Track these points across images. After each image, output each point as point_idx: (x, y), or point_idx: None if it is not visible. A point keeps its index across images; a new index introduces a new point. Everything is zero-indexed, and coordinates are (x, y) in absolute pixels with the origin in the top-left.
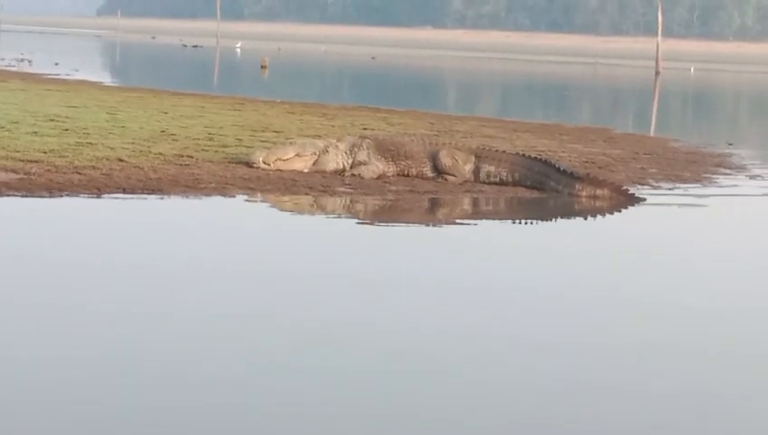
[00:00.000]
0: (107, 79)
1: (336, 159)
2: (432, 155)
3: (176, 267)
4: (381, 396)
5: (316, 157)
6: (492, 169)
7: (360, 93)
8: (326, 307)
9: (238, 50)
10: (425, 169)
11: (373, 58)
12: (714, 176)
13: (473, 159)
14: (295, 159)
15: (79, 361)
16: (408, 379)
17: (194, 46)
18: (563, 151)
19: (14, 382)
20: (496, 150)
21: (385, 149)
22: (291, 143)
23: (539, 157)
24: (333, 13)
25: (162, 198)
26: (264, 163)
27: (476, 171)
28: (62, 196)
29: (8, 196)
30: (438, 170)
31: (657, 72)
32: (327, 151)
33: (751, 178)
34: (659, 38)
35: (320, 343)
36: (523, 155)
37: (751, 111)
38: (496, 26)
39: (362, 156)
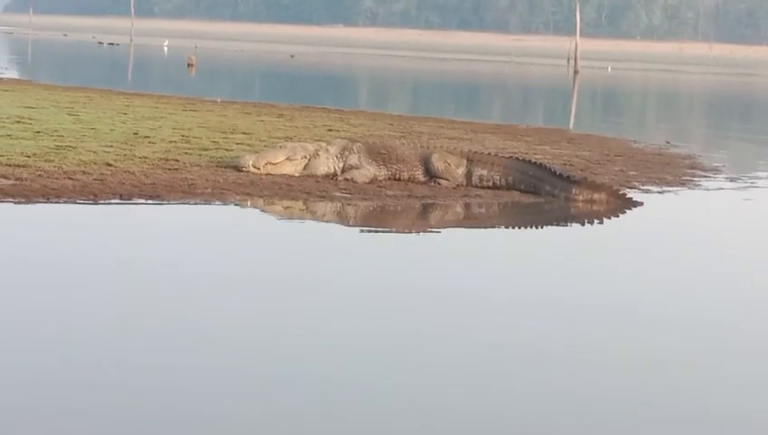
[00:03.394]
0: (41, 78)
1: (327, 163)
2: (424, 159)
3: (201, 276)
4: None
5: (306, 161)
6: (484, 172)
7: (297, 92)
8: (355, 317)
9: (166, 48)
10: (417, 173)
11: (292, 56)
12: (694, 178)
13: (465, 162)
14: (286, 162)
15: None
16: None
17: (110, 44)
18: (535, 153)
19: (20, 386)
20: (488, 154)
21: (376, 153)
22: (281, 147)
23: (533, 160)
24: (244, 10)
25: (162, 205)
26: (254, 167)
27: (469, 175)
28: (59, 202)
29: (4, 202)
30: (431, 174)
31: (576, 71)
32: (318, 155)
33: (730, 180)
34: (578, 37)
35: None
36: (517, 158)
37: (677, 108)
38: (407, 24)
39: (353, 160)
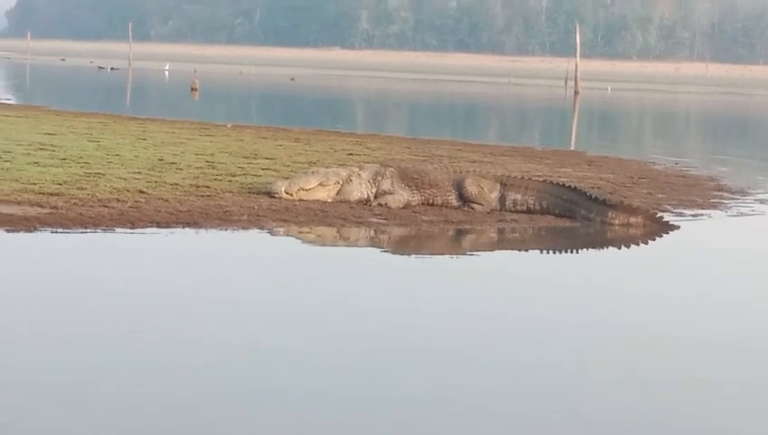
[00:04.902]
0: (52, 104)
1: (360, 189)
2: (457, 183)
3: (268, 305)
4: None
5: (339, 186)
6: (518, 196)
7: (305, 115)
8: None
9: (167, 72)
10: (450, 198)
11: (293, 79)
12: (723, 201)
13: (498, 186)
14: (318, 188)
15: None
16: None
17: (112, 69)
18: (560, 176)
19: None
20: (521, 178)
21: (409, 178)
22: (313, 172)
23: (567, 184)
24: (241, 34)
25: (199, 232)
26: (287, 193)
27: (502, 199)
28: (96, 231)
29: (43, 231)
30: (464, 199)
31: (576, 92)
32: (350, 181)
33: (761, 202)
34: (578, 58)
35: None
36: (551, 182)
37: (683, 129)
38: (404, 46)
39: (386, 185)
